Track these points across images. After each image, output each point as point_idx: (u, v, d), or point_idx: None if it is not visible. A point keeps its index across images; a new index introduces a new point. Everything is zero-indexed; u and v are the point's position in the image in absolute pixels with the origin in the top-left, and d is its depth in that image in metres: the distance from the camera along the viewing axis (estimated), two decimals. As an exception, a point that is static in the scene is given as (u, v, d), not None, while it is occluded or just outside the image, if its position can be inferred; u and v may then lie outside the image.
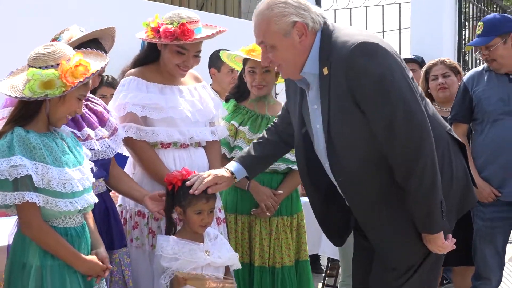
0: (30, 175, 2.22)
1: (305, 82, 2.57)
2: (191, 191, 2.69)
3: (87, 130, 2.73)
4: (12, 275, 2.34)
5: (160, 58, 3.07)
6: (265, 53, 2.54)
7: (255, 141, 2.94)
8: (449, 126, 2.73)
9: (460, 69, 4.34)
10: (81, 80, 2.29)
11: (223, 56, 3.82)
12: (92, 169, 2.55)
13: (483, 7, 6.77)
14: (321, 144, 2.58)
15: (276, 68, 2.66)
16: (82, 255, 2.42)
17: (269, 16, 2.44)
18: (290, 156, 3.34)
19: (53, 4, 5.09)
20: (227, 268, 2.96)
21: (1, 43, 4.64)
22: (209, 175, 2.76)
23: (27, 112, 2.33)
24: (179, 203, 2.82)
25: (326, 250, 4.53)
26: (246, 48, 3.54)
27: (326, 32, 2.48)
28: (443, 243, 2.51)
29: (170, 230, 2.89)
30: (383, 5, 6.50)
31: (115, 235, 2.81)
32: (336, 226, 2.86)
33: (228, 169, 2.80)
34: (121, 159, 3.05)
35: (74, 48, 2.53)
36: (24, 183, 2.23)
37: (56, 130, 2.46)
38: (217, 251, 2.88)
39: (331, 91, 2.43)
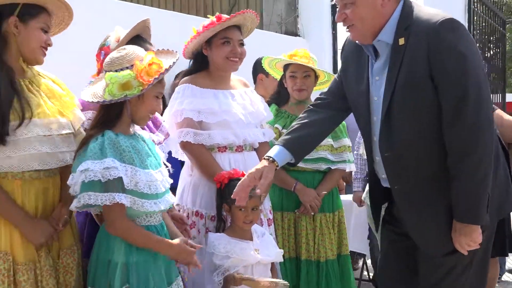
0: (121, 177, 2.23)
1: (372, 50, 2.49)
2: (232, 196, 2.59)
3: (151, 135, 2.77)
4: (98, 272, 2.35)
5: (210, 63, 3.10)
6: (342, 9, 2.41)
7: (295, 123, 2.75)
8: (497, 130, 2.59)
9: None
10: (156, 77, 2.31)
11: (265, 63, 3.85)
12: (168, 170, 2.58)
13: (488, 18, 6.80)
14: (375, 117, 2.50)
15: (347, 28, 2.47)
16: (170, 240, 2.45)
17: None
18: (330, 156, 3.41)
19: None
20: (272, 264, 2.98)
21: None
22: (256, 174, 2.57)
23: (110, 115, 2.35)
24: (226, 200, 2.85)
25: (354, 245, 4.50)
26: (288, 54, 3.62)
27: (407, 4, 2.41)
28: (478, 236, 2.34)
29: (220, 226, 2.93)
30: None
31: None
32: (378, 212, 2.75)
33: (269, 157, 2.58)
34: (176, 164, 3.01)
35: None
36: (114, 184, 2.23)
37: (137, 133, 2.50)
38: (265, 249, 2.89)
39: (403, 62, 2.35)
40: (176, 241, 2.46)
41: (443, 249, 2.45)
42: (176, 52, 2.58)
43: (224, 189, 2.86)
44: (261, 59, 3.98)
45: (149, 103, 2.40)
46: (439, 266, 2.49)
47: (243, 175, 2.78)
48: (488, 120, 2.29)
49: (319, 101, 2.81)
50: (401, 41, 2.35)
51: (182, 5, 8.84)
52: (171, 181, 2.55)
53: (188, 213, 3.04)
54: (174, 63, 2.40)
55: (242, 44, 3.11)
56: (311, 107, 2.80)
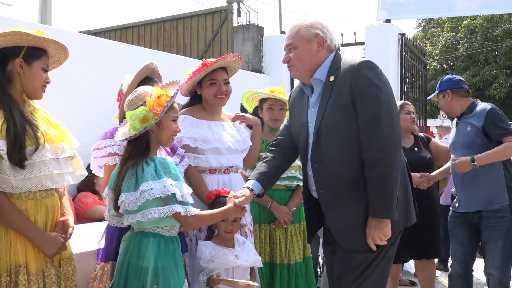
0: (174, 193, 2.28)
1: (310, 88, 2.64)
2: (236, 201, 2.59)
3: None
4: (130, 276, 2.32)
5: (203, 100, 3.09)
6: (288, 53, 2.61)
7: (262, 161, 2.84)
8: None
9: None
10: (166, 105, 2.33)
11: (243, 98, 3.83)
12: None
13: (414, 62, 7.10)
14: (310, 139, 2.59)
15: (289, 68, 2.64)
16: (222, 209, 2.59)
17: (301, 25, 2.58)
18: (299, 175, 3.40)
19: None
20: (251, 268, 2.95)
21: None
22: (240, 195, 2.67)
23: (140, 147, 2.37)
24: None
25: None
26: (268, 90, 3.63)
27: (337, 54, 2.60)
28: (388, 231, 2.40)
29: (210, 236, 2.89)
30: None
31: (183, 242, 2.77)
32: (311, 223, 2.79)
33: (248, 187, 2.70)
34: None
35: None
36: (170, 199, 2.28)
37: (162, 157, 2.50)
38: (245, 255, 2.86)
39: (332, 94, 2.48)
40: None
41: (358, 244, 2.47)
42: (179, 81, 2.61)
43: (212, 204, 2.83)
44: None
45: (168, 128, 2.42)
46: (351, 260, 2.51)
47: (228, 193, 2.76)
48: (397, 135, 2.41)
49: (275, 142, 2.92)
50: (331, 78, 2.51)
51: (165, 45, 8.76)
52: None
53: None
54: (178, 90, 2.43)
55: (227, 83, 3.09)
56: (271, 147, 2.90)
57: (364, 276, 2.48)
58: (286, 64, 2.63)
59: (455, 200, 3.85)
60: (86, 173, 2.50)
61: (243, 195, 2.60)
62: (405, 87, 6.65)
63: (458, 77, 3.97)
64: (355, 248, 2.48)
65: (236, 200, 2.56)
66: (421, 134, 4.42)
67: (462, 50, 20.29)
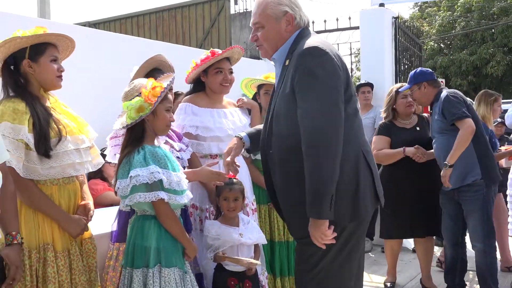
0: (161, 179, 2.38)
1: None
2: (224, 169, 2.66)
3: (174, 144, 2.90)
4: (136, 255, 2.46)
5: (206, 87, 3.21)
6: (255, 32, 2.43)
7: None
8: (367, 147, 2.40)
9: None
10: (159, 95, 2.44)
11: (242, 85, 3.96)
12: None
13: (410, 46, 7.22)
14: (267, 120, 2.46)
15: (257, 47, 2.49)
16: (188, 236, 2.61)
17: (268, 1, 2.37)
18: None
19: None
20: (256, 245, 3.09)
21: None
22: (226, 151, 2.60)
23: (137, 134, 2.48)
24: (217, 195, 3.01)
25: None
26: (263, 76, 3.76)
27: (303, 32, 2.39)
28: (325, 230, 2.15)
29: (217, 215, 3.05)
30: (338, 44, 6.78)
31: (188, 222, 2.90)
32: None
33: (238, 135, 2.65)
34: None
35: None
36: (156, 185, 2.38)
37: (160, 143, 2.62)
38: (249, 233, 3.01)
39: (284, 78, 2.32)
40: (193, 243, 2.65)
41: (297, 235, 2.39)
42: (173, 73, 2.72)
43: (217, 187, 3.01)
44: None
45: (162, 117, 2.51)
46: (302, 250, 2.37)
47: (233, 176, 2.93)
48: (330, 127, 2.13)
49: None
50: (287, 62, 2.35)
51: (164, 34, 8.86)
52: (187, 181, 2.66)
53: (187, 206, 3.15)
54: (171, 81, 2.53)
55: (231, 72, 3.23)
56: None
57: (317, 270, 2.29)
58: None
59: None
60: (103, 162, 2.67)
61: (231, 150, 2.55)
62: (401, 67, 6.76)
63: (429, 70, 4.17)
64: (300, 238, 2.36)
65: (226, 156, 2.54)
66: (425, 114, 4.59)
67: (459, 29, 20.26)
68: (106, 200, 4.11)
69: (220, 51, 3.17)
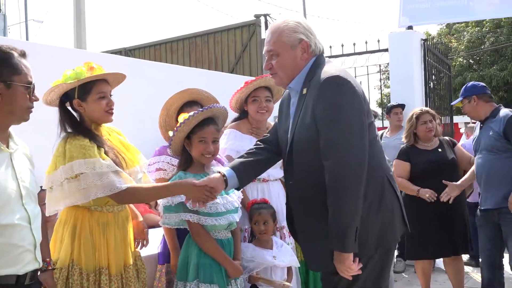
0: (182, 202, 2.54)
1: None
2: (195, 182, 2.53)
3: None
4: (180, 270, 2.68)
5: (248, 115, 3.38)
6: (269, 60, 2.39)
7: (245, 152, 2.65)
8: (390, 171, 2.38)
9: (436, 115, 4.60)
10: (178, 126, 2.65)
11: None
12: (238, 197, 2.83)
13: (439, 67, 7.22)
14: (286, 152, 2.40)
15: (271, 76, 2.46)
16: (230, 258, 2.70)
17: (283, 29, 2.33)
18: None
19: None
20: (289, 267, 3.14)
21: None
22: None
23: (183, 159, 2.72)
24: (249, 218, 3.12)
25: None
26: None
27: (318, 60, 2.35)
28: (351, 264, 2.13)
29: (251, 239, 3.17)
30: (367, 66, 6.85)
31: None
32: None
33: (220, 171, 2.49)
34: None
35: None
36: (179, 207, 2.58)
37: (211, 170, 2.75)
38: (282, 256, 3.06)
39: (302, 108, 2.27)
40: (236, 262, 2.73)
41: (325, 269, 2.32)
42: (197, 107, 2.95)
43: (249, 211, 3.11)
44: None
45: (196, 148, 2.69)
46: (326, 282, 2.38)
47: (266, 201, 3.04)
48: (356, 160, 2.10)
49: (264, 137, 2.72)
50: (304, 90, 2.31)
51: (197, 59, 9.06)
52: (237, 205, 2.75)
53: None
54: (190, 116, 2.63)
55: (268, 100, 3.33)
56: (258, 142, 2.71)
57: None
58: None
59: (480, 197, 4.05)
60: None
61: (211, 181, 2.42)
62: (429, 88, 6.77)
63: (481, 83, 4.19)
64: (324, 271, 2.36)
65: (196, 182, 2.42)
66: (446, 138, 4.62)
67: (488, 45, 20.03)
68: (147, 221, 4.23)
69: (250, 79, 3.34)
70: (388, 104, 6.31)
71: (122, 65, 4.86)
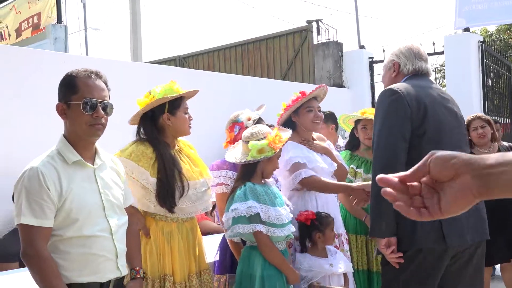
0: (259, 213, 2.58)
1: None
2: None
3: None
4: (243, 283, 2.65)
5: (297, 127, 3.26)
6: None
7: None
8: None
9: (492, 121, 4.45)
10: (281, 145, 2.69)
11: (340, 120, 4.11)
12: (290, 207, 2.86)
13: (498, 68, 6.94)
14: None
15: None
16: (292, 267, 2.75)
17: (390, 54, 2.75)
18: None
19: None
20: (345, 274, 3.12)
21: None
22: None
23: (249, 171, 2.71)
24: (318, 230, 3.02)
25: None
26: (360, 111, 3.84)
27: (408, 79, 2.64)
28: (384, 251, 2.36)
29: (302, 249, 3.10)
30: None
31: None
32: None
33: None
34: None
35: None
36: (255, 218, 2.58)
37: (267, 182, 2.81)
38: (337, 263, 3.05)
39: None
40: (294, 269, 2.76)
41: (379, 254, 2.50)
42: (290, 129, 2.98)
43: (312, 223, 3.02)
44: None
45: (275, 162, 2.76)
46: (384, 273, 2.55)
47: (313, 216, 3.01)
48: (383, 157, 2.40)
49: None
50: None
51: (250, 65, 9.11)
52: (291, 215, 2.81)
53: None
54: (289, 137, 2.79)
55: (319, 110, 3.29)
56: None
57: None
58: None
59: None
60: (211, 205, 2.83)
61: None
62: (487, 89, 6.54)
63: None
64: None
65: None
66: (506, 144, 4.46)
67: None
68: (204, 228, 4.32)
69: (308, 91, 3.27)
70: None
71: (177, 75, 4.98)
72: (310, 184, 3.10)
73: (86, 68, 2.04)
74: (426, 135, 2.42)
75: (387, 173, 2.07)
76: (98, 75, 2.05)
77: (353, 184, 2.96)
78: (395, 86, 2.50)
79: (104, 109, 2.02)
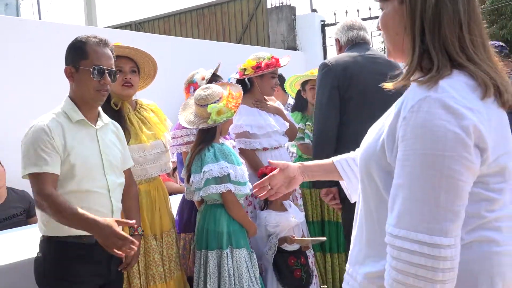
0: (229, 173, 2.62)
1: None
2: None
3: None
4: (210, 239, 2.66)
5: (254, 89, 3.30)
6: None
7: None
8: None
9: None
10: (237, 104, 2.69)
11: (287, 85, 4.11)
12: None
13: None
14: None
15: None
16: (252, 221, 2.83)
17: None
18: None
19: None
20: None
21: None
22: None
23: (210, 133, 2.69)
24: None
25: None
26: (309, 72, 3.88)
27: (347, 50, 2.90)
28: (322, 195, 2.86)
29: (264, 206, 3.15)
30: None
31: None
32: None
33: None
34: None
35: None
36: (225, 178, 2.61)
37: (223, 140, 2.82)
38: (296, 214, 3.14)
39: None
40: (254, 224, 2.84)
41: None
42: (240, 85, 2.91)
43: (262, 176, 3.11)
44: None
45: (230, 122, 2.80)
46: None
47: (272, 169, 3.05)
48: (318, 129, 2.79)
49: None
50: None
51: (205, 30, 9.03)
52: (247, 173, 2.82)
53: (247, 196, 3.16)
54: (241, 92, 2.77)
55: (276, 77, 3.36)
56: None
57: None
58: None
59: None
60: (172, 167, 2.81)
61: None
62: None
63: (496, 42, 3.72)
64: None
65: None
66: None
67: (488, 4, 19.70)
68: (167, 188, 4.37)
69: (282, 62, 3.27)
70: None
71: (132, 40, 4.88)
72: (244, 156, 3.16)
73: (95, 35, 2.10)
74: (352, 99, 2.75)
75: (322, 145, 2.62)
76: (106, 44, 2.11)
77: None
78: (328, 59, 2.83)
79: (110, 76, 2.09)
